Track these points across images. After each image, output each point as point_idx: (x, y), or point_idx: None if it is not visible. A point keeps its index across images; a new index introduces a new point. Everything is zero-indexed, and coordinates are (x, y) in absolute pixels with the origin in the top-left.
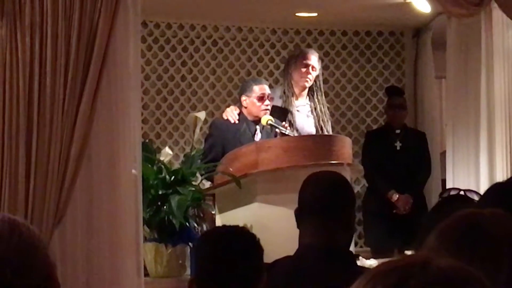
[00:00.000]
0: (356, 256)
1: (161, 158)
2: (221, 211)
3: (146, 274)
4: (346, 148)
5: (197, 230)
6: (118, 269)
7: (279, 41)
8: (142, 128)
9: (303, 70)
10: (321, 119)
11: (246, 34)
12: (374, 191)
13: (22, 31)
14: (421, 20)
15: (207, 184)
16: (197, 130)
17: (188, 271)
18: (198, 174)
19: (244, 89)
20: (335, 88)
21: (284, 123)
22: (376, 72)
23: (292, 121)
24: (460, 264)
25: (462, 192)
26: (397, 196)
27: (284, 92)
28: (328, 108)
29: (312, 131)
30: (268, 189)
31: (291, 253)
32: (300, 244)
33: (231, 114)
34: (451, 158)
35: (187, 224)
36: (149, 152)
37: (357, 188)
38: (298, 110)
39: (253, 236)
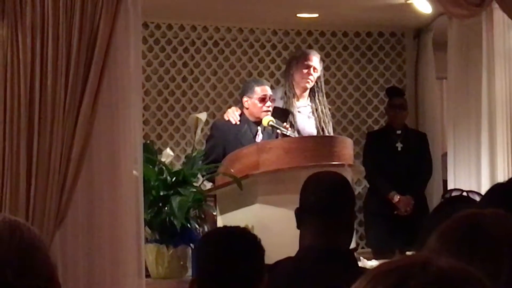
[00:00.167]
0: (357, 255)
1: (162, 159)
2: (222, 212)
3: (148, 275)
4: (347, 149)
5: (198, 231)
6: (119, 270)
7: (280, 42)
8: (143, 129)
9: (305, 71)
10: (322, 120)
11: (247, 35)
12: (375, 192)
13: (23, 31)
14: (422, 21)
15: (208, 185)
16: (198, 131)
17: (189, 272)
18: (199, 175)
19: (245, 90)
20: (336, 89)
21: (285, 124)
22: (377, 73)
23: (293, 122)
24: (461, 264)
25: (464, 193)
26: (398, 197)
27: (285, 93)
28: (329, 109)
29: (313, 132)
30: (269, 190)
31: (292, 254)
32: (301, 245)
33: (232, 115)
34: (452, 159)
35: (188, 225)
36: (150, 153)
37: (358, 189)
38: (299, 111)
39: (254, 237)
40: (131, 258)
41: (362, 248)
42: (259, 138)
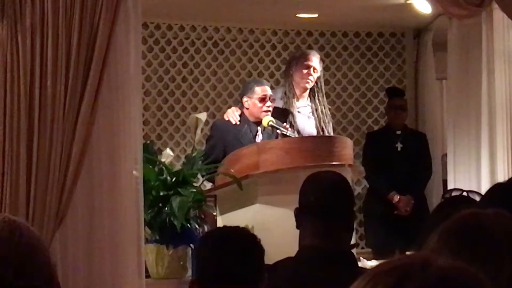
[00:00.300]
0: (356, 255)
1: (162, 160)
2: (222, 212)
3: (148, 276)
4: (347, 149)
5: (198, 232)
6: (119, 271)
7: (280, 42)
8: (143, 129)
9: (304, 71)
10: (322, 120)
11: (247, 35)
12: (375, 192)
13: (23, 32)
14: (422, 21)
15: (208, 185)
16: (198, 131)
17: (190, 273)
18: (199, 176)
19: (245, 90)
20: (336, 89)
21: (285, 124)
22: (377, 73)
23: (293, 122)
24: (461, 264)
25: (464, 193)
26: (398, 197)
27: (285, 93)
28: (329, 109)
29: (313, 132)
30: (269, 190)
31: (292, 254)
32: (300, 245)
33: (232, 115)
34: (452, 159)
35: (188, 225)
36: (150, 154)
37: (358, 189)
38: (299, 111)
39: (254, 237)
40: (131, 258)
41: (362, 248)
42: (259, 138)
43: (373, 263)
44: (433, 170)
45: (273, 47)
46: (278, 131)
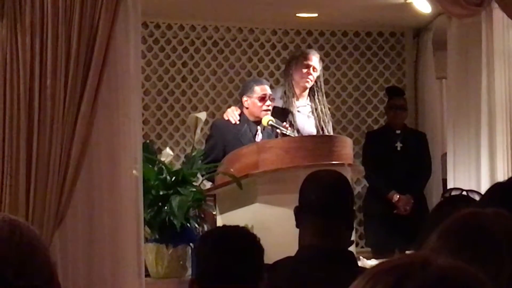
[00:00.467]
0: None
1: (162, 159)
2: (222, 211)
3: (147, 275)
4: (347, 148)
5: (198, 231)
6: (119, 270)
7: (280, 42)
8: (142, 128)
9: (304, 70)
10: (321, 119)
11: (246, 35)
12: (375, 192)
13: (23, 31)
14: (422, 20)
15: (208, 184)
16: (198, 130)
17: (189, 272)
18: (199, 175)
19: (245, 89)
20: (335, 88)
21: (284, 123)
22: (377, 72)
23: (292, 122)
24: (460, 263)
25: (464, 192)
26: (398, 196)
27: (285, 93)
28: (329, 108)
29: (313, 131)
30: (269, 189)
31: (292, 253)
32: (300, 245)
33: (232, 114)
34: (452, 158)
35: (188, 224)
36: (150, 153)
37: (357, 189)
38: (298, 111)
39: (253, 236)
40: (130, 257)
41: (362, 247)
42: (258, 137)
43: (373, 262)
44: (433, 169)
45: (273, 46)
46: (277, 130)
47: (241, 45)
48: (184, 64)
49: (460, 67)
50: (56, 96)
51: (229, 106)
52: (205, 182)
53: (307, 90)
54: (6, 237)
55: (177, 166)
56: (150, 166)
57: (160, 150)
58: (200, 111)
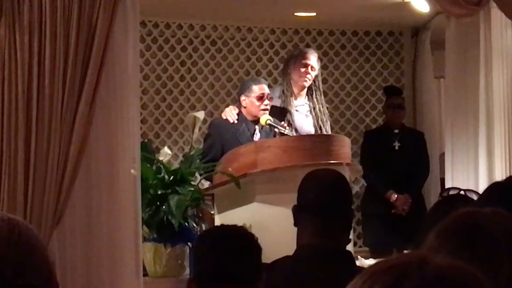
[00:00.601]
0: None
1: (160, 158)
2: (220, 211)
3: (145, 274)
4: (345, 148)
5: (196, 230)
6: (117, 269)
7: (278, 41)
8: (141, 128)
9: (302, 70)
10: (320, 118)
11: (245, 34)
12: (373, 191)
13: (21, 31)
14: (420, 20)
15: (206, 184)
16: (196, 130)
17: (187, 271)
18: (197, 174)
19: (243, 89)
20: (334, 87)
21: (283, 122)
22: (375, 72)
23: (291, 121)
24: (458, 263)
25: (462, 192)
26: (396, 196)
27: (283, 92)
28: (327, 107)
29: (311, 130)
30: (267, 189)
31: (290, 253)
32: (298, 244)
33: (230, 114)
34: (450, 157)
35: (186, 224)
36: (148, 152)
37: (356, 188)
38: (297, 110)
39: (251, 236)
40: (129, 257)
41: (360, 247)
42: (257, 137)
43: (371, 261)
44: (431, 168)
45: (271, 45)
46: (276, 129)
47: (240, 44)
48: (183, 63)
49: (458, 67)
50: (54, 95)
51: (227, 105)
52: (203, 181)
53: (305, 89)
54: (5, 236)
55: (175, 165)
56: (148, 165)
57: (158, 149)
58: (198, 110)
